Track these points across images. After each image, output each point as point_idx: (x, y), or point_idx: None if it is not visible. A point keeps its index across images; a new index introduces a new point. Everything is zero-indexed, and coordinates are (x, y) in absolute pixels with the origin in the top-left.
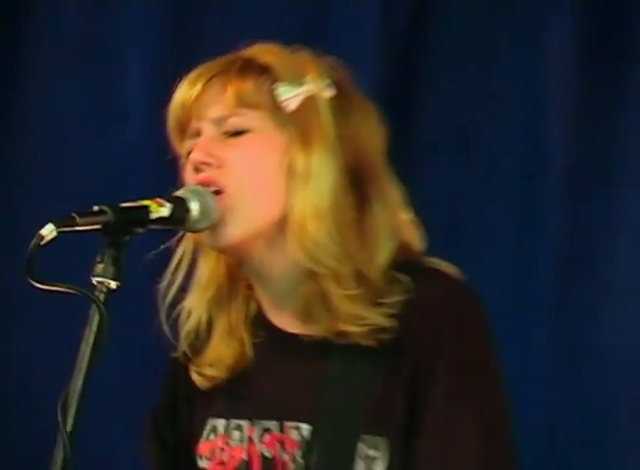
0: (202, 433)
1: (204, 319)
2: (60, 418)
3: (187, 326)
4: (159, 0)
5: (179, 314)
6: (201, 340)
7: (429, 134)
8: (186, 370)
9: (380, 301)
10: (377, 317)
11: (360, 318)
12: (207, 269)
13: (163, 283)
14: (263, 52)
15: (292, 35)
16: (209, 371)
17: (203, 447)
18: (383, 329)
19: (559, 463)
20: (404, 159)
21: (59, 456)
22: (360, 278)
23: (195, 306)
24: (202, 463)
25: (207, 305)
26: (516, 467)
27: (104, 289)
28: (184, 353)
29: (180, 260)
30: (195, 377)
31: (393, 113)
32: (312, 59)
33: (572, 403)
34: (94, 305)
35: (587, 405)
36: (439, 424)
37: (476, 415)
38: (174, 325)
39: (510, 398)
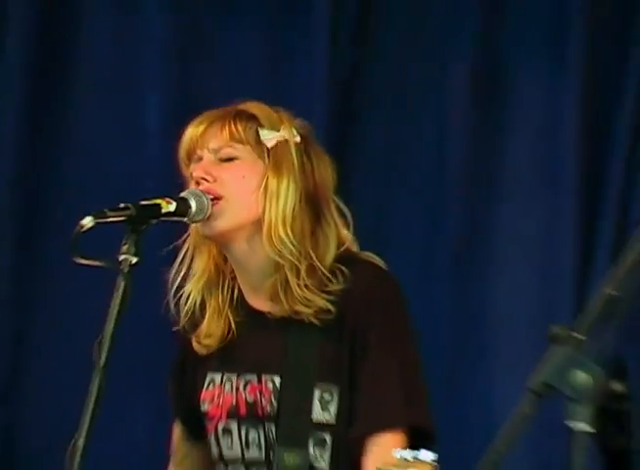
0: (203, 384)
1: (198, 301)
2: (95, 355)
3: (185, 306)
4: (173, 53)
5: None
6: (196, 317)
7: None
8: (188, 339)
9: (325, 289)
10: (322, 301)
11: (310, 302)
12: (201, 263)
13: (171, 272)
14: (253, 106)
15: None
16: (205, 341)
17: (204, 395)
18: (326, 311)
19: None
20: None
21: (94, 388)
22: (312, 271)
23: (191, 291)
24: (204, 407)
25: (201, 290)
26: (427, 396)
27: (127, 263)
28: (183, 327)
29: (184, 256)
30: (195, 345)
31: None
32: (287, 115)
33: (468, 346)
34: (120, 275)
35: (478, 347)
36: (373, 373)
37: (399, 363)
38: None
39: (420, 347)
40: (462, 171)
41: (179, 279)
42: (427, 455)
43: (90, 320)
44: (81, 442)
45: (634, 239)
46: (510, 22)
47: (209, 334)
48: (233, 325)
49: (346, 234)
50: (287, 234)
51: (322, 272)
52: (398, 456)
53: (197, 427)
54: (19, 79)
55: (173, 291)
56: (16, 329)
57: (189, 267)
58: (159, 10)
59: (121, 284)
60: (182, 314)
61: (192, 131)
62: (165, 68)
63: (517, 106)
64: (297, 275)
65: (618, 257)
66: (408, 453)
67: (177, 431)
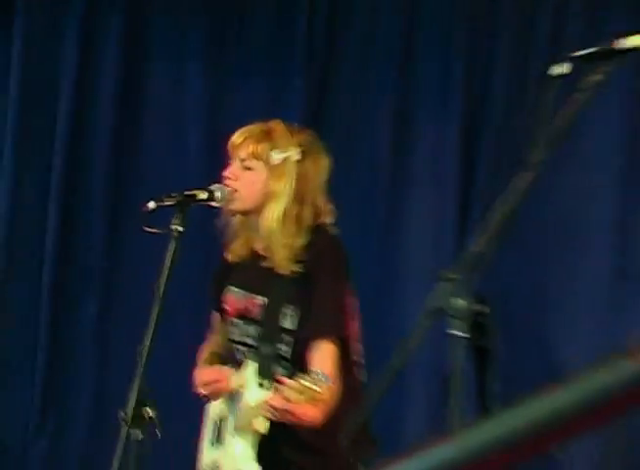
0: (225, 290)
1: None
2: (156, 292)
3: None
4: (212, 79)
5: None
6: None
7: None
8: (227, 261)
9: (298, 258)
10: (294, 266)
11: (286, 264)
12: (234, 223)
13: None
14: (274, 127)
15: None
16: (232, 257)
17: (225, 298)
18: (296, 270)
19: None
20: None
21: (155, 312)
22: (290, 248)
23: (230, 234)
24: (224, 306)
25: (235, 235)
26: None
27: (177, 231)
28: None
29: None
30: (225, 255)
31: None
32: (297, 134)
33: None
34: (172, 240)
35: (397, 288)
36: (317, 300)
37: (333, 296)
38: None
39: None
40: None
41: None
42: (318, 382)
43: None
44: (147, 346)
45: (497, 204)
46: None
47: (234, 252)
48: (247, 260)
49: (328, 209)
50: (277, 225)
51: (297, 248)
52: (302, 381)
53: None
54: (108, 107)
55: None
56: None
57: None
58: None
59: (172, 246)
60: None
61: (233, 140)
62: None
63: None
64: (280, 247)
65: (485, 218)
66: (307, 380)
67: (215, 317)
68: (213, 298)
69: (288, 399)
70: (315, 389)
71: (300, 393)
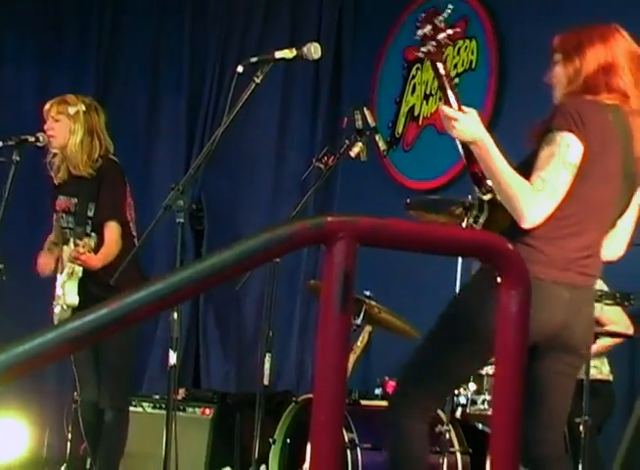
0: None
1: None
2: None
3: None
4: None
5: None
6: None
7: None
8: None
9: (94, 172)
10: (91, 174)
11: (88, 171)
12: (54, 158)
13: None
14: (66, 97)
15: None
16: (57, 180)
17: (56, 203)
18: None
19: None
20: None
21: None
22: (87, 163)
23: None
24: (56, 208)
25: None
26: None
27: (15, 161)
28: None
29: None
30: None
31: None
32: (82, 98)
33: None
34: (13, 166)
35: None
36: (104, 196)
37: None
38: None
39: None
40: None
41: None
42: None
43: None
44: None
45: (206, 145)
46: None
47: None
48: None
49: (109, 142)
50: (78, 149)
51: (92, 162)
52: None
53: None
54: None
55: None
56: None
57: None
58: None
59: (13, 170)
60: None
61: (45, 107)
62: None
63: None
64: (81, 163)
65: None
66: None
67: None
68: (51, 205)
69: (78, 252)
70: (87, 245)
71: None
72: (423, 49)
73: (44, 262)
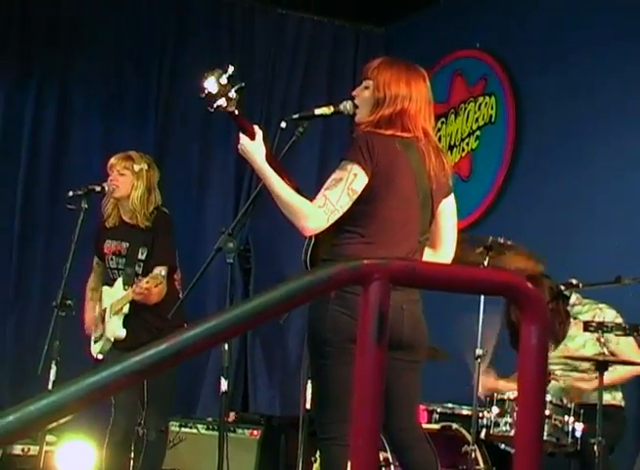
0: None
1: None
2: None
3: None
4: None
5: None
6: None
7: None
8: (103, 225)
9: (148, 223)
10: (146, 225)
11: (144, 223)
12: (110, 204)
13: None
14: (131, 153)
15: None
16: (108, 224)
17: (103, 246)
18: (148, 227)
19: None
20: None
21: None
22: (145, 215)
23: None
24: (104, 250)
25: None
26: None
27: (84, 208)
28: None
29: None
30: (106, 223)
31: None
32: (144, 157)
33: None
34: (82, 213)
35: None
36: (159, 244)
37: (167, 242)
38: None
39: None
40: None
41: None
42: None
43: None
44: (66, 267)
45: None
46: None
47: (110, 221)
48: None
49: (160, 197)
50: (139, 202)
51: (147, 214)
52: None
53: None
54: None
55: None
56: None
57: None
58: None
59: (81, 217)
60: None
61: (111, 161)
62: None
63: None
64: (140, 214)
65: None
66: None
67: (95, 260)
68: (95, 248)
69: (141, 288)
70: (158, 278)
71: (148, 282)
72: (214, 105)
73: (90, 319)
